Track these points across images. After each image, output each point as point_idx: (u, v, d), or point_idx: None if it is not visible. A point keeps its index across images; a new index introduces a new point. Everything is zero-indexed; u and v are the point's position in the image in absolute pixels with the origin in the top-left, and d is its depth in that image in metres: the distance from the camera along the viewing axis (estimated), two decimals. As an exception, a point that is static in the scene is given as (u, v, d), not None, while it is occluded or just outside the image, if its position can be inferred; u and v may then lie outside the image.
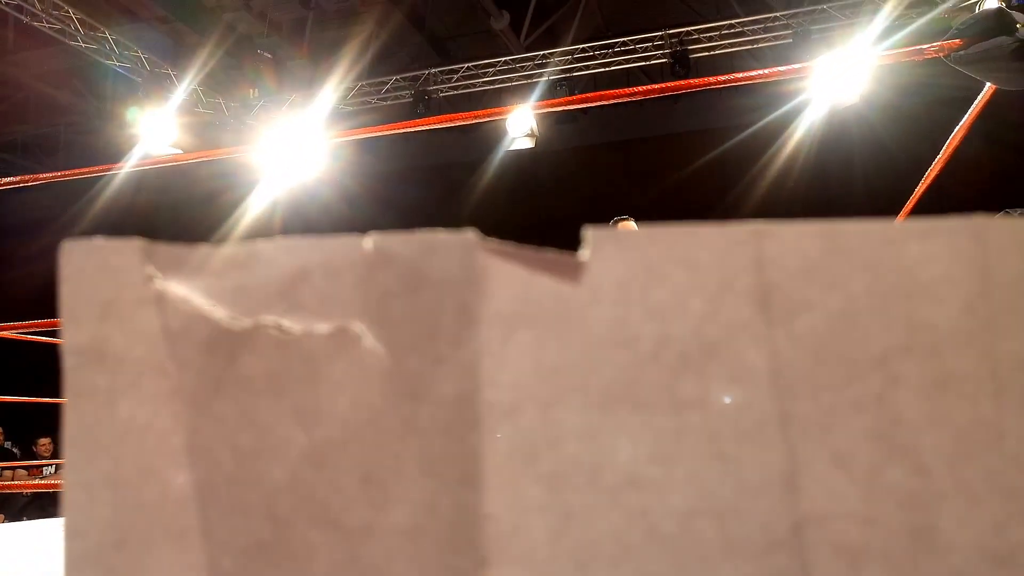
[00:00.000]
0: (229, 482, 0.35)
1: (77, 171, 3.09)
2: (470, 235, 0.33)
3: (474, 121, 3.22)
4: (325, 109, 8.10)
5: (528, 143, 8.48)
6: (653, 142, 9.97)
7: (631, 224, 3.36)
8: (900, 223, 0.31)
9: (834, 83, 6.81)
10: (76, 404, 0.36)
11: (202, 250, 0.36)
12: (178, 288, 0.36)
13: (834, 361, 0.31)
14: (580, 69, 8.51)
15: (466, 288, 0.32)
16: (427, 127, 2.87)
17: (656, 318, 0.31)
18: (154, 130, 7.74)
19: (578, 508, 0.31)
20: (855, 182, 8.97)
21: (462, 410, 0.32)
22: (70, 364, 0.37)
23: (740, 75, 2.34)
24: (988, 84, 1.89)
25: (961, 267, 0.31)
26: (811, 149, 8.88)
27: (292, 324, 0.34)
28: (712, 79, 2.53)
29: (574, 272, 0.32)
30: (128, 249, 0.36)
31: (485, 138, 9.20)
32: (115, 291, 0.36)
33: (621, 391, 0.31)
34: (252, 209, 9.04)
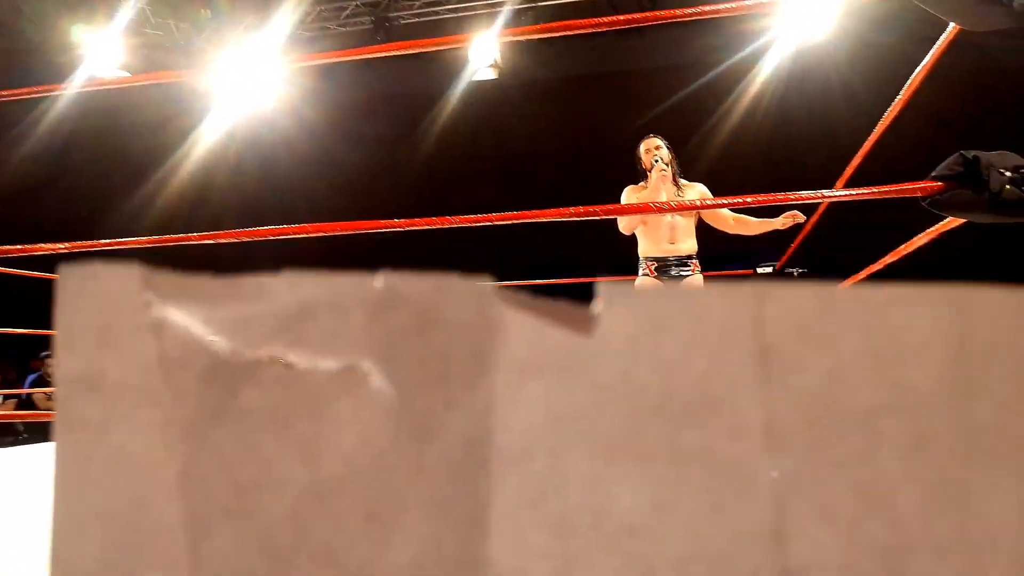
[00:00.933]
0: (225, 515, 0.36)
1: (18, 91, 2.94)
2: (485, 283, 0.33)
3: (436, 48, 3.14)
4: (281, 34, 7.78)
5: (491, 74, 8.31)
6: (619, 77, 9.86)
7: (657, 140, 3.29)
8: (888, 288, 0.33)
9: (801, 19, 6.78)
10: (67, 435, 0.36)
11: (204, 280, 0.36)
12: (177, 316, 0.36)
13: (824, 418, 0.33)
14: (546, -1, 8.29)
15: (481, 333, 0.33)
16: (387, 54, 2.80)
17: (661, 372, 0.33)
18: (99, 51, 7.37)
19: (580, 554, 0.33)
20: (818, 120, 9.03)
21: (472, 453, 0.33)
22: (63, 393, 0.36)
23: (707, 8, 2.31)
24: (952, 24, 1.87)
25: (941, 333, 0.33)
26: (777, 88, 8.90)
27: (297, 359, 0.35)
28: (678, 11, 2.50)
29: (586, 324, 0.33)
30: (127, 275, 0.36)
31: (447, 68, 8.98)
32: (112, 318, 0.35)
33: (626, 441, 0.33)
34: (205, 137, 8.74)
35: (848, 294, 0.33)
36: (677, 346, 0.33)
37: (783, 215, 3.30)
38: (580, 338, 0.33)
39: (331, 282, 0.35)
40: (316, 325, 0.35)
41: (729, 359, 0.33)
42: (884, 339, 0.33)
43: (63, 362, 0.36)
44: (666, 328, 0.33)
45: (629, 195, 3.32)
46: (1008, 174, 1.62)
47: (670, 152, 3.30)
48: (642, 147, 3.30)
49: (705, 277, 3.30)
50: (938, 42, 2.03)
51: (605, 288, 0.33)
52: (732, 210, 3.34)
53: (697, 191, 3.31)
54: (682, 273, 3.20)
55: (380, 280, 0.35)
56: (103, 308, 0.36)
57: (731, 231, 3.37)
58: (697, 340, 0.33)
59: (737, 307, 0.33)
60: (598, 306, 0.33)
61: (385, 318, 0.34)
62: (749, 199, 2.37)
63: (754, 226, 3.33)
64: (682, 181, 3.31)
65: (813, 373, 0.33)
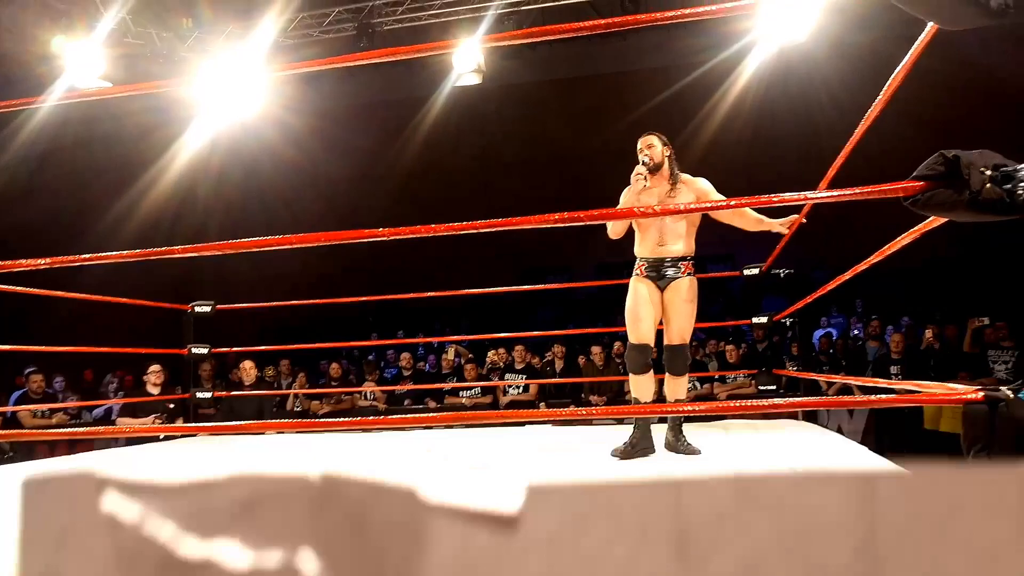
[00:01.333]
0: None
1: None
2: (413, 479, 0.35)
3: (419, 55, 3.13)
4: (264, 42, 7.74)
5: (475, 79, 8.30)
6: (602, 80, 9.88)
7: (650, 139, 3.23)
8: (799, 473, 0.34)
9: (782, 20, 6.80)
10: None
11: (157, 478, 0.37)
12: (133, 510, 0.37)
13: (740, 600, 0.34)
14: (528, 3, 8.28)
15: (409, 540, 0.34)
16: (371, 61, 2.80)
17: (583, 565, 0.34)
18: (80, 62, 7.31)
19: None
20: (801, 119, 9.07)
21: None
22: (23, 593, 0.38)
23: (688, 11, 2.31)
24: (931, 23, 1.85)
25: (852, 513, 0.34)
26: (759, 88, 8.93)
27: (244, 553, 0.36)
28: (659, 15, 2.50)
29: (509, 524, 0.34)
30: (84, 479, 0.37)
31: (432, 74, 8.97)
32: (70, 519, 0.37)
33: (551, 629, 0.34)
34: (188, 146, 8.70)
35: (762, 480, 0.35)
36: (598, 539, 0.34)
37: (782, 220, 3.27)
38: (504, 537, 0.34)
39: (275, 477, 0.36)
40: (262, 516, 0.36)
41: (648, 548, 0.34)
42: (798, 521, 0.34)
43: (23, 564, 0.37)
44: (587, 522, 0.34)
45: (623, 197, 3.28)
46: (988, 173, 1.62)
47: (667, 147, 3.20)
48: (638, 146, 3.24)
49: (697, 279, 3.25)
50: (917, 41, 2.03)
51: (528, 486, 0.34)
52: None
53: (696, 187, 3.23)
54: (671, 275, 3.18)
55: (318, 476, 0.36)
56: (61, 511, 0.37)
57: (726, 221, 3.28)
58: (616, 532, 0.34)
59: (654, 497, 0.34)
60: (519, 505, 0.35)
61: (324, 514, 0.36)
62: (733, 201, 2.38)
63: (752, 222, 3.27)
64: (684, 176, 3.24)
65: (731, 557, 0.34)
